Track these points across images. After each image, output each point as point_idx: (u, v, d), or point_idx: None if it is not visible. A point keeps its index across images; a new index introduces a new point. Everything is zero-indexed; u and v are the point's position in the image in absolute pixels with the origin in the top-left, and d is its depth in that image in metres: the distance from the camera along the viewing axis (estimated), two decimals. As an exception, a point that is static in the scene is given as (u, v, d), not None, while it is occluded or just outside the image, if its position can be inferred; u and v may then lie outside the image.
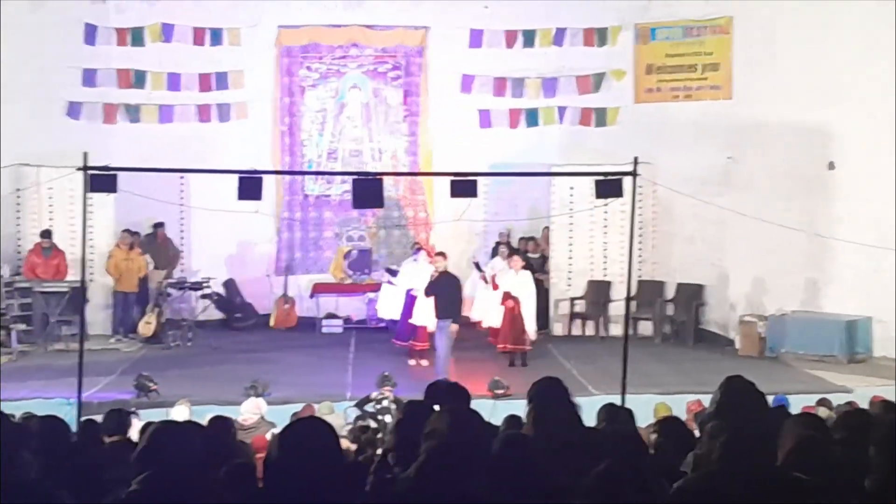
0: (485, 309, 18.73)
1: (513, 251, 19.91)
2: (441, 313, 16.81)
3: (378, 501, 4.77)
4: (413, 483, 4.47)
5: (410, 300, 18.19)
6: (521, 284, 17.91)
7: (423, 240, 21.64)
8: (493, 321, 18.37)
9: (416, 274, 18.23)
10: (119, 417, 9.73)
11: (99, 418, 9.92)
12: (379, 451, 7.41)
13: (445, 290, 16.84)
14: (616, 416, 8.18)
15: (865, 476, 4.99)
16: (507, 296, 17.82)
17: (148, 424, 7.46)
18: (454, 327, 16.68)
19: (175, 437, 4.86)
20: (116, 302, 20.08)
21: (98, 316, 20.05)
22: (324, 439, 4.41)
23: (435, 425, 4.86)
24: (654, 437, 8.23)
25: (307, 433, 4.41)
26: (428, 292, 17.22)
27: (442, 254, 17.53)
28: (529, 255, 21.02)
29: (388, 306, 19.51)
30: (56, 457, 7.18)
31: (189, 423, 7.58)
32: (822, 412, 10.82)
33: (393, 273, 19.70)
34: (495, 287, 18.06)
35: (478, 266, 19.71)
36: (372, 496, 4.94)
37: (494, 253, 20.96)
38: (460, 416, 4.93)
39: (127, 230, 20.07)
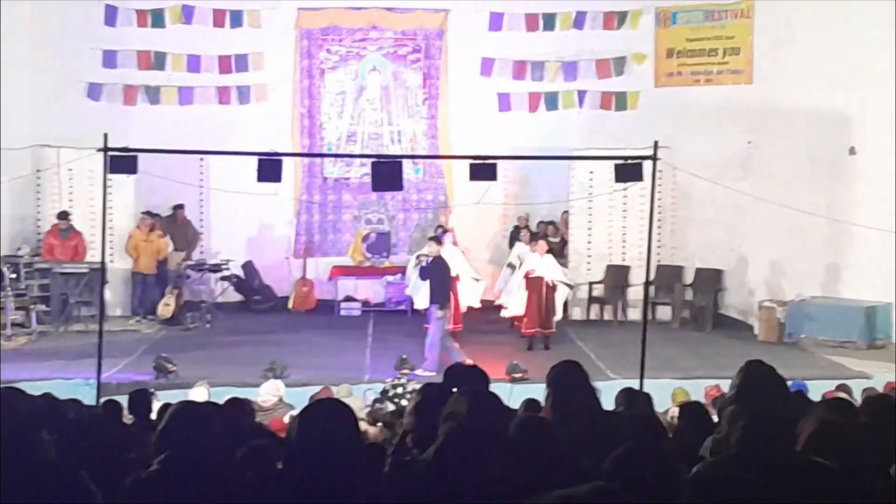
0: (515, 300, 18.56)
1: (535, 236, 19.88)
2: (432, 298, 16.79)
3: (397, 483, 4.77)
4: (431, 465, 4.47)
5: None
6: (550, 268, 17.91)
7: (444, 222, 21.65)
8: (518, 309, 18.30)
9: (448, 258, 18.19)
10: (143, 398, 9.78)
11: (119, 398, 9.98)
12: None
13: (437, 275, 16.82)
14: (634, 401, 8.18)
15: (888, 461, 4.98)
16: (532, 280, 17.81)
17: (166, 406, 7.49)
18: (440, 312, 16.61)
19: (195, 418, 4.87)
20: (135, 283, 20.14)
21: (117, 297, 20.12)
22: (342, 421, 4.41)
23: (453, 408, 4.86)
24: (673, 421, 8.23)
25: (326, 415, 4.41)
26: (423, 277, 17.22)
27: (435, 238, 17.49)
28: (550, 239, 21.01)
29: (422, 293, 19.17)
30: (76, 437, 7.21)
31: (208, 404, 7.61)
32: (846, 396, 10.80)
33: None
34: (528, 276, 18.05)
35: (511, 266, 19.71)
36: (390, 478, 4.94)
37: (513, 237, 20.96)
38: (479, 398, 4.93)
39: (147, 212, 20.13)
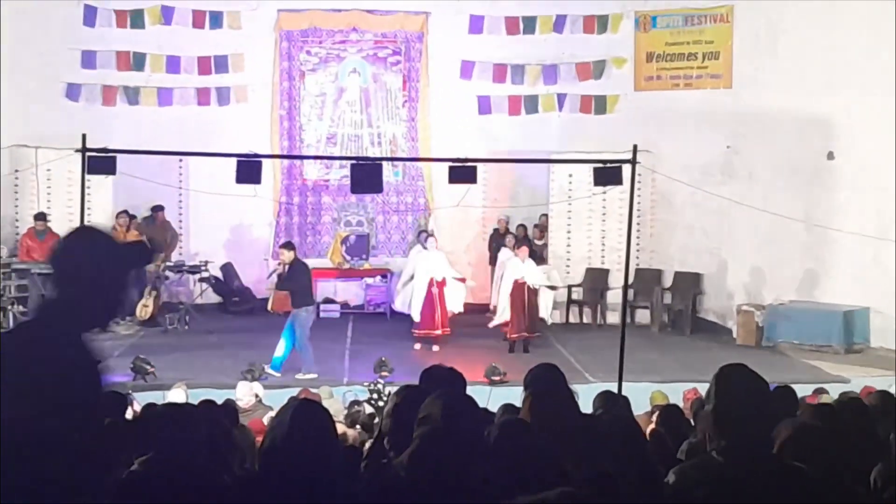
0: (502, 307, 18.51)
1: (518, 240, 19.87)
2: (296, 302, 16.52)
3: (372, 486, 4.77)
4: (406, 468, 4.47)
5: (429, 289, 18.03)
6: (531, 273, 17.92)
7: (423, 225, 21.67)
8: (505, 316, 18.27)
9: (429, 261, 18.11)
10: (116, 399, 9.73)
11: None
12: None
13: (297, 280, 16.56)
14: (613, 404, 8.19)
15: (866, 466, 4.99)
16: (517, 284, 17.82)
17: (149, 406, 7.47)
18: (304, 314, 16.39)
19: (177, 419, 4.86)
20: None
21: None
22: (318, 422, 4.41)
23: (428, 411, 4.86)
24: (651, 424, 8.24)
25: (302, 416, 4.40)
26: (281, 286, 16.99)
27: (287, 245, 17.12)
28: (535, 242, 21.05)
29: (406, 300, 19.08)
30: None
31: (190, 406, 7.59)
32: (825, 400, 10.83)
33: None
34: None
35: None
36: (366, 480, 4.94)
37: (493, 239, 20.98)
38: (454, 401, 4.93)
39: (124, 211, 20.04)
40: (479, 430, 4.84)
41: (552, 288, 18.86)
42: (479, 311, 19.82)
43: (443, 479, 4.31)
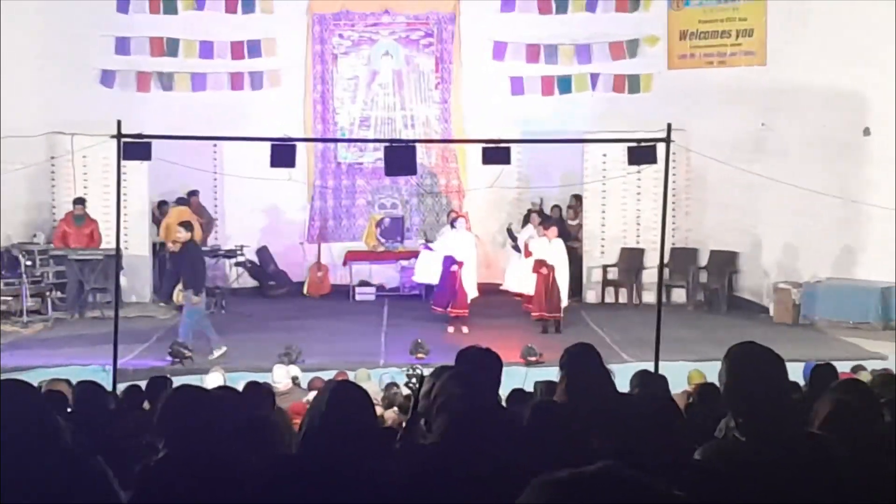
0: (518, 277, 18.63)
1: (546, 220, 19.84)
2: (186, 284, 16.24)
3: (403, 466, 4.79)
4: (437, 448, 4.49)
5: (449, 267, 18.02)
6: (555, 253, 17.87)
7: (457, 206, 21.64)
8: (526, 288, 18.31)
9: (457, 242, 18.08)
10: (161, 384, 9.80)
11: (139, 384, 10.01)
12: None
13: (188, 262, 16.21)
14: (649, 383, 8.18)
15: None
16: (540, 263, 17.78)
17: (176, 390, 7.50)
18: (196, 299, 16.01)
19: (189, 402, 4.85)
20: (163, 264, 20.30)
21: (132, 284, 20.16)
22: (358, 404, 4.43)
23: (449, 392, 4.88)
24: (689, 402, 8.22)
25: (341, 398, 4.42)
26: (172, 265, 16.78)
27: (185, 224, 16.64)
28: (569, 222, 20.97)
29: (427, 271, 19.23)
30: (93, 423, 7.23)
31: (224, 389, 7.62)
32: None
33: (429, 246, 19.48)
34: (528, 254, 18.00)
35: (510, 233, 19.65)
36: (399, 461, 4.96)
37: (526, 221, 20.94)
38: (473, 382, 4.95)
39: (182, 197, 20.55)
40: (504, 409, 4.86)
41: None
42: (512, 293, 19.82)
43: (473, 459, 4.32)
